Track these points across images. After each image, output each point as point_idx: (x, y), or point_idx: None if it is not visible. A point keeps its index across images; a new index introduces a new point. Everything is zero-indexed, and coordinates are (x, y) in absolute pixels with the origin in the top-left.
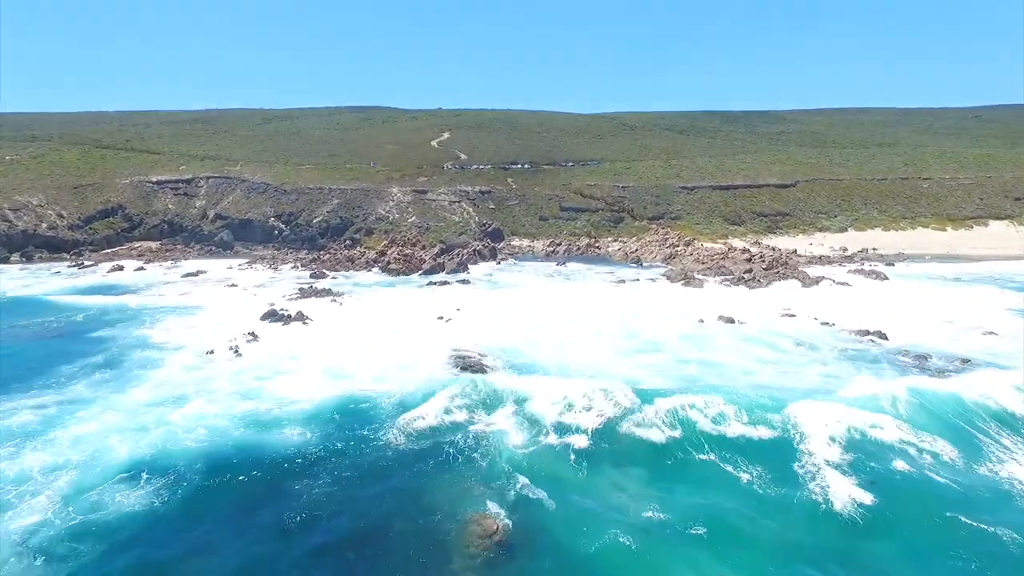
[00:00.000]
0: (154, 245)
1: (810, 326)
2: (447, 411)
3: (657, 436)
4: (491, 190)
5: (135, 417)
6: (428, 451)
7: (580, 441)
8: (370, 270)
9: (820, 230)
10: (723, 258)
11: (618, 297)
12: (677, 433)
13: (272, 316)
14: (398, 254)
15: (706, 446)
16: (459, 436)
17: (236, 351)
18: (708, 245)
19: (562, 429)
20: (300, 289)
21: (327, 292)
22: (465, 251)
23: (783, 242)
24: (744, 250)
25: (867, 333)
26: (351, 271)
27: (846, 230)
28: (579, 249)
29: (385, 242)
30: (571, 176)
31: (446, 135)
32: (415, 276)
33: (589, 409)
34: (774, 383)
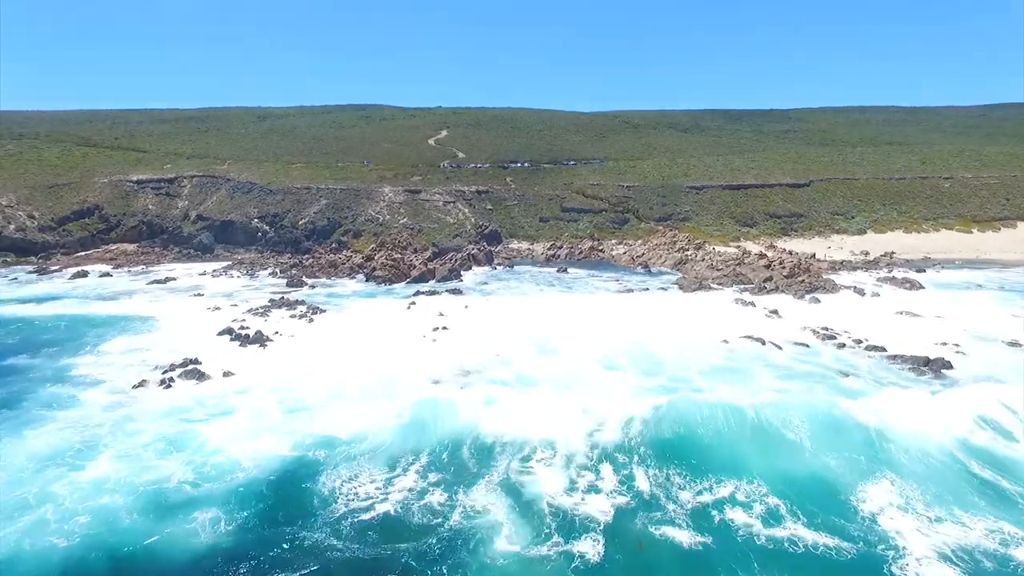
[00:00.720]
0: (130, 248)
1: (854, 351)
2: (420, 493)
3: (686, 539)
4: (489, 190)
5: (13, 487)
6: (386, 561)
7: (589, 548)
8: (354, 277)
9: (837, 232)
10: (738, 264)
11: (628, 310)
12: (710, 540)
13: (229, 335)
14: (386, 259)
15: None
16: (431, 537)
17: (169, 383)
18: (720, 249)
19: (567, 525)
20: (271, 300)
21: (299, 304)
22: (459, 256)
23: (799, 245)
24: (760, 255)
25: (926, 363)
26: (334, 278)
27: (864, 232)
28: (581, 253)
29: (374, 245)
30: (573, 175)
31: (444, 133)
32: (401, 285)
33: (599, 490)
34: (831, 455)
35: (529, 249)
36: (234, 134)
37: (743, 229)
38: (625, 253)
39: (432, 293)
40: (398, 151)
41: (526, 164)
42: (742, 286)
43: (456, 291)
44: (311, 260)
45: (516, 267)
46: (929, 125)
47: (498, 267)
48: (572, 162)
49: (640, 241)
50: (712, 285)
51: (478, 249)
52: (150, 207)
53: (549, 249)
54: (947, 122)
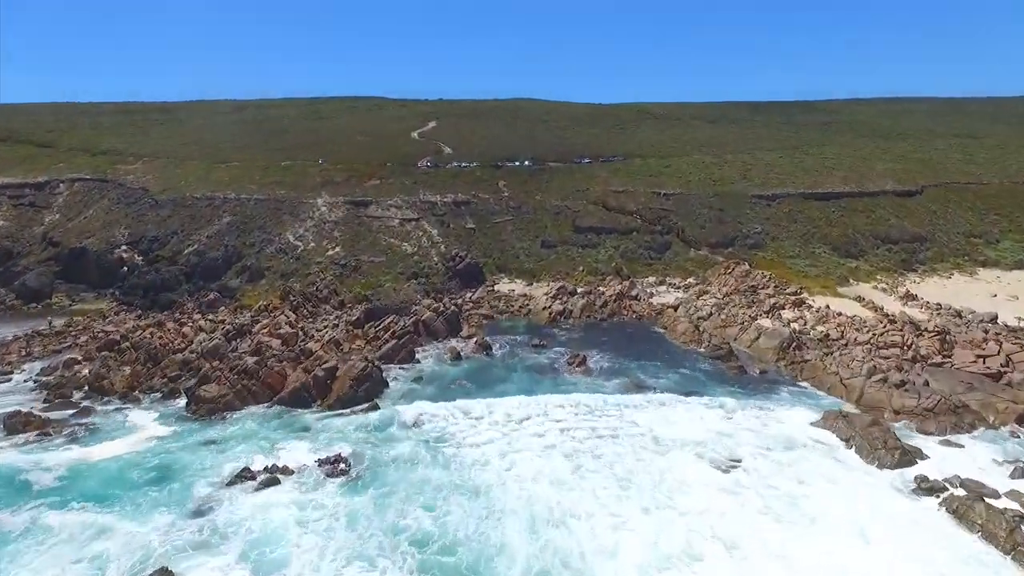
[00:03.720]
0: None
1: None
2: None
3: None
4: (471, 200)
5: None
6: None
7: None
8: (171, 399)
9: (981, 264)
10: (902, 353)
11: None
12: None
13: None
14: (268, 335)
15: None
16: None
17: None
18: (834, 306)
19: None
20: None
21: None
22: (399, 324)
23: (937, 289)
24: (914, 325)
25: None
26: (137, 394)
27: None
28: (605, 305)
29: (273, 298)
30: (588, 177)
31: (431, 124)
32: (255, 412)
33: None
34: None
35: (525, 298)
36: (192, 126)
37: (846, 262)
38: (679, 314)
39: (260, 486)
40: (372, 145)
41: (527, 163)
42: (976, 430)
43: (336, 467)
44: (156, 323)
45: (499, 342)
46: (996, 115)
47: (467, 346)
48: (586, 159)
49: (693, 281)
50: (907, 431)
51: (439, 308)
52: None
53: (555, 297)
54: (1003, 113)
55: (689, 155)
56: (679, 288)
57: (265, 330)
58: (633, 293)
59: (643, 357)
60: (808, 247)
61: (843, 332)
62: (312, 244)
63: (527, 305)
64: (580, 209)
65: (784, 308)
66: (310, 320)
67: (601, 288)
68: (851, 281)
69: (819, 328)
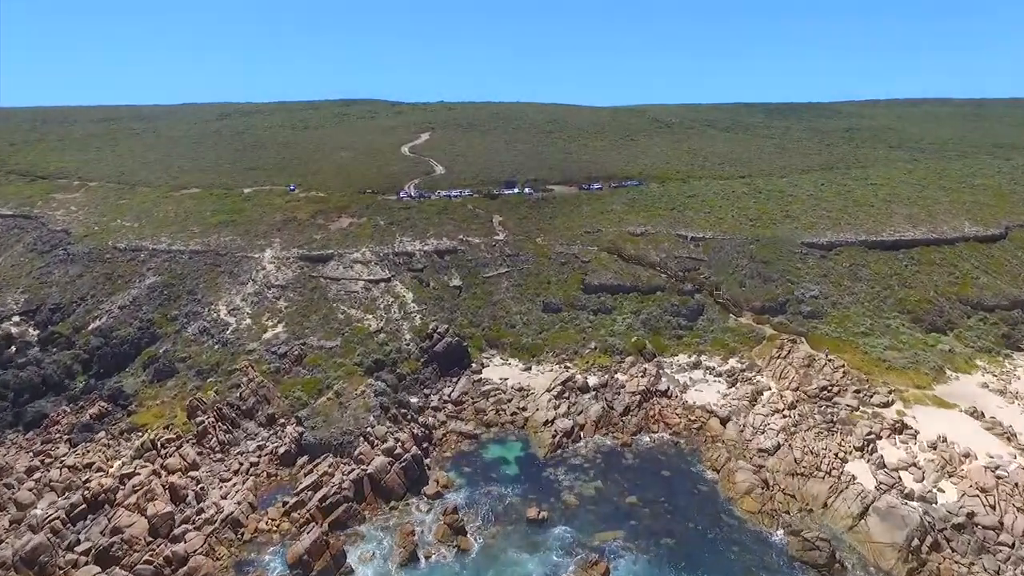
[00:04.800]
0: None
1: None
2: None
3: None
4: (457, 247)
5: None
6: None
7: None
8: None
9: None
10: None
11: None
12: None
13: None
14: (124, 521)
15: None
16: None
17: None
18: (942, 424)
19: None
20: None
21: None
22: (335, 481)
23: None
24: None
25: None
26: None
27: None
28: (626, 411)
29: (180, 409)
30: (599, 211)
31: (424, 137)
32: None
33: None
34: None
35: (522, 395)
36: (163, 138)
37: (934, 340)
38: (730, 436)
39: None
40: (354, 164)
41: (527, 189)
42: None
43: None
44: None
45: (482, 503)
46: (1010, 120)
47: (431, 528)
48: (596, 186)
49: (737, 365)
50: None
51: (393, 453)
52: None
53: (560, 396)
54: None
55: (712, 175)
56: (720, 376)
57: (134, 498)
58: (662, 386)
59: (691, 550)
60: (881, 317)
61: (995, 503)
62: (248, 320)
63: (524, 410)
64: (590, 258)
65: (881, 437)
66: (218, 457)
67: (619, 376)
68: (948, 372)
69: (947, 488)
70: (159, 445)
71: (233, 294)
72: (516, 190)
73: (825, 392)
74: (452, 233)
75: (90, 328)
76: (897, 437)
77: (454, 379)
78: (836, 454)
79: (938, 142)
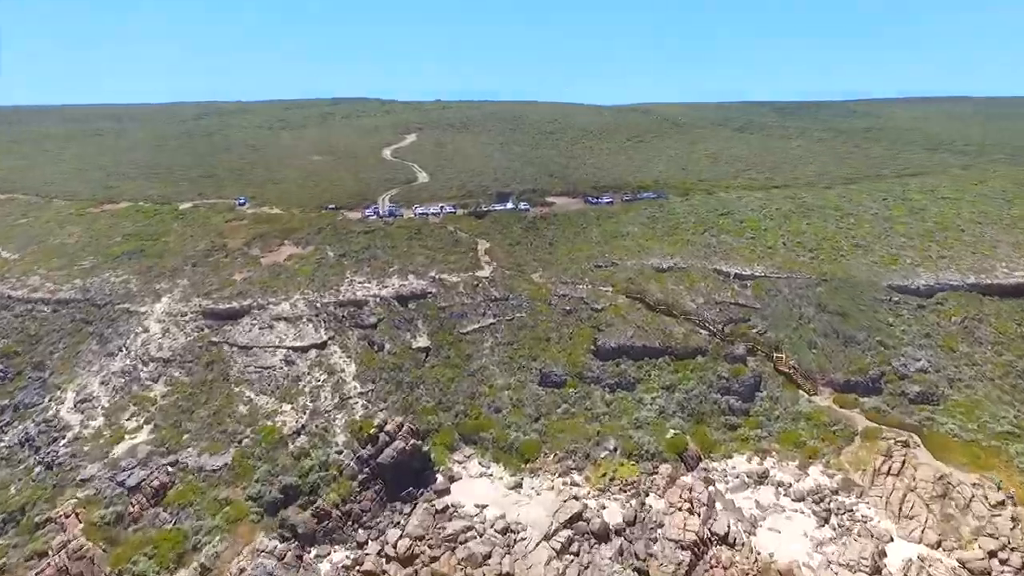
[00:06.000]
0: None
1: None
2: None
3: None
4: (427, 290)
5: None
6: None
7: None
8: None
9: None
10: None
11: None
12: None
13: None
14: None
15: None
16: None
17: None
18: None
19: None
20: None
21: None
22: None
23: None
24: None
25: None
26: None
27: None
28: None
29: None
30: (612, 234)
31: (410, 139)
32: None
33: None
34: None
35: (506, 532)
36: (122, 140)
37: None
38: None
39: None
40: (323, 172)
41: (522, 204)
42: None
43: None
44: None
45: None
46: None
47: None
48: (606, 199)
49: (822, 479)
50: None
51: None
52: None
53: (563, 552)
54: None
55: (742, 185)
56: (802, 502)
57: None
58: (720, 526)
59: None
60: (1004, 394)
61: None
62: (99, 420)
63: (510, 569)
64: (604, 306)
65: None
66: None
67: (650, 503)
68: None
69: None
70: None
71: (93, 372)
72: (509, 205)
73: (975, 535)
74: (423, 269)
75: None
76: None
77: (407, 509)
78: None
79: (976, 144)
